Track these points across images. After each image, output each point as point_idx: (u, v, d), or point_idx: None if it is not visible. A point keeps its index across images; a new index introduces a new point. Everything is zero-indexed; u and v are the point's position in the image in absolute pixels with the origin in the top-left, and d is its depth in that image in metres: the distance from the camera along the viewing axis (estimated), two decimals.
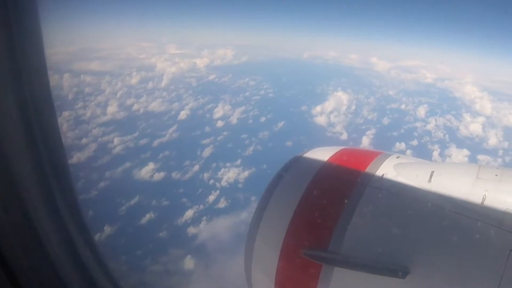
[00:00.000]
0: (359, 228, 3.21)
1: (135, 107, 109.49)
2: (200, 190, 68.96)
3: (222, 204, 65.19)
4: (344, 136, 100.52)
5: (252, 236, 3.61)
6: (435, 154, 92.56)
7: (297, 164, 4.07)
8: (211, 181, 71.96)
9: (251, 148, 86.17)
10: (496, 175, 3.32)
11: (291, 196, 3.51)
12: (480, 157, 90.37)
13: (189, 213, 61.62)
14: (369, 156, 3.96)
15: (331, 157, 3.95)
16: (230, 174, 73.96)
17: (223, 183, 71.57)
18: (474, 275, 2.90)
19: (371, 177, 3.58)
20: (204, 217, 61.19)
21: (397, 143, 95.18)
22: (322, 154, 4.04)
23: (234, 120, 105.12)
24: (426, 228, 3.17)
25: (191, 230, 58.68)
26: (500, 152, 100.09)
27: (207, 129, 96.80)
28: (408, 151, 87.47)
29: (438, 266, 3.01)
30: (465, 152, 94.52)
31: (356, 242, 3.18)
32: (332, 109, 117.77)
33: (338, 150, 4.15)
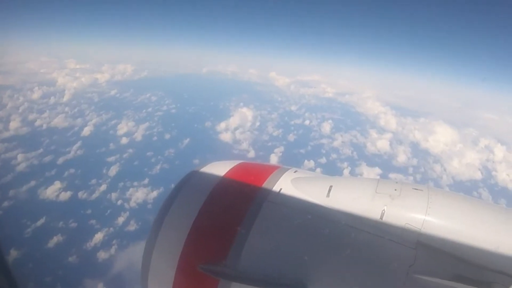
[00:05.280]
0: (257, 243, 3.22)
1: (38, 122, 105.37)
2: (108, 211, 67.42)
3: (132, 226, 63.88)
4: (252, 153, 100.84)
5: (148, 250, 3.51)
6: (346, 172, 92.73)
7: (194, 178, 4.02)
8: (120, 202, 70.55)
9: (158, 167, 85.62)
10: (395, 190, 3.40)
11: (188, 211, 3.51)
12: (392, 175, 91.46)
13: (99, 236, 59.94)
14: (266, 171, 4.00)
15: (228, 171, 3.97)
16: (139, 194, 72.97)
17: (132, 203, 70.34)
18: None
19: (268, 192, 3.59)
20: (115, 241, 59.64)
21: (306, 161, 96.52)
22: (219, 168, 4.05)
23: (138, 136, 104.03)
24: (325, 243, 3.19)
25: (102, 254, 56.97)
26: (410, 170, 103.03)
27: (111, 146, 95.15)
28: (318, 169, 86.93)
29: (336, 282, 3.05)
30: (377, 170, 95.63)
31: (254, 257, 3.18)
32: (236, 125, 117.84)
33: (235, 164, 4.16)
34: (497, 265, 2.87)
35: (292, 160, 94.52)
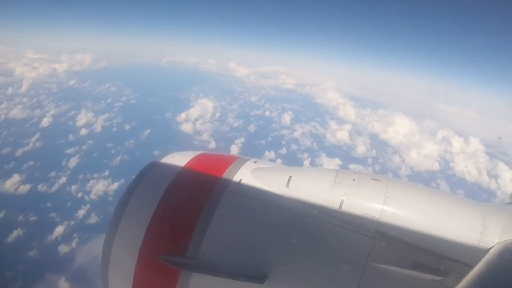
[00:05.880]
0: (217, 233, 3.18)
1: None
2: (68, 204, 67.34)
3: (93, 219, 63.65)
4: (212, 144, 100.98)
5: (108, 243, 3.41)
6: (306, 163, 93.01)
7: (153, 170, 3.86)
8: (80, 194, 70.65)
9: (118, 158, 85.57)
10: (353, 180, 3.43)
11: (148, 202, 3.40)
12: (352, 166, 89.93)
13: (60, 230, 60.00)
14: (226, 161, 3.91)
15: (188, 162, 3.84)
16: (99, 186, 73.33)
17: (92, 196, 70.58)
18: (333, 279, 2.98)
19: (229, 182, 3.54)
20: (76, 234, 59.28)
21: (266, 152, 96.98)
22: (180, 159, 3.90)
23: (98, 128, 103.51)
24: (285, 233, 3.18)
25: (63, 248, 56.70)
26: (370, 161, 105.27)
27: (71, 137, 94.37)
28: (279, 160, 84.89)
29: (297, 271, 3.06)
30: (337, 161, 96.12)
31: (215, 247, 3.15)
32: (197, 116, 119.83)
33: (195, 155, 4.03)
34: (454, 253, 3.01)
35: (252, 151, 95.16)
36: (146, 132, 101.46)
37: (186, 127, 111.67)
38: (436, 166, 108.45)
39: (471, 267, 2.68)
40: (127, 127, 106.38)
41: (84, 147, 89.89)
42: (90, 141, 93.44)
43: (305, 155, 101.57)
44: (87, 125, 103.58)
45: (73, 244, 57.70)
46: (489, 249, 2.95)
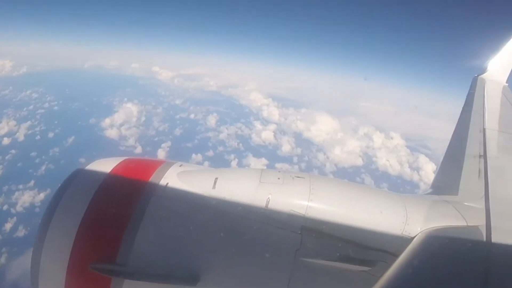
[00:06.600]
0: (147, 238, 3.09)
1: None
2: None
3: (21, 232, 62.39)
4: (139, 149, 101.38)
5: (37, 254, 3.20)
6: (233, 164, 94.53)
7: (78, 177, 3.60)
8: (5, 207, 69.50)
9: (43, 167, 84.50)
10: (278, 178, 3.45)
11: (75, 211, 3.21)
12: (278, 165, 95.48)
13: None
14: (152, 166, 3.77)
15: (113, 168, 3.65)
16: (25, 197, 72.13)
17: (19, 208, 69.30)
18: (264, 276, 3.04)
19: (155, 187, 3.43)
20: (4, 249, 57.82)
21: (194, 155, 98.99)
22: (105, 165, 3.69)
23: (21, 136, 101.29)
24: (214, 234, 3.16)
25: None
26: (295, 159, 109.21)
27: None
28: (206, 163, 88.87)
29: (228, 270, 3.09)
30: (264, 161, 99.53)
31: (146, 252, 3.07)
32: (122, 121, 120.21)
33: (121, 160, 3.84)
34: (380, 244, 3.12)
35: (180, 155, 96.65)
36: (71, 139, 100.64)
37: (112, 133, 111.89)
38: (359, 162, 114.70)
39: (396, 256, 2.90)
40: (50, 134, 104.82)
41: (7, 157, 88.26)
42: (13, 151, 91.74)
43: (232, 156, 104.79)
44: (9, 134, 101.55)
45: (2, 259, 56.56)
46: (413, 238, 3.16)
